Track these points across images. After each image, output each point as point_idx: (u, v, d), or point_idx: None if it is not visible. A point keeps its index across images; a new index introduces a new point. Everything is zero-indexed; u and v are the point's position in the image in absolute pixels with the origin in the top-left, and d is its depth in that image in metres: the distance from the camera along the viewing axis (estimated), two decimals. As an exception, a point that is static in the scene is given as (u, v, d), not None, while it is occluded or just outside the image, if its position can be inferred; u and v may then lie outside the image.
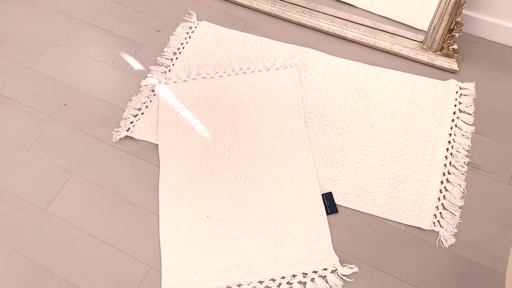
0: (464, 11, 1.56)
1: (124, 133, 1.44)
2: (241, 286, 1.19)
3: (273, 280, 1.19)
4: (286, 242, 1.24)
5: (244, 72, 1.57)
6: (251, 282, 1.19)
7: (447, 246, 1.23)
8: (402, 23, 1.65)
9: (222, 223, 1.27)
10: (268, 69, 1.58)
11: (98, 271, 1.22)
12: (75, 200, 1.33)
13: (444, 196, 1.31)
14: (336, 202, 1.30)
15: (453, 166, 1.36)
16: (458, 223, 1.26)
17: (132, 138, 1.44)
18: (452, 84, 1.51)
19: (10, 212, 1.31)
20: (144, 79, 1.57)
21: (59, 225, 1.29)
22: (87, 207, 1.32)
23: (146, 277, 1.20)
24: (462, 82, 1.53)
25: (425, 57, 1.58)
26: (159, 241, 1.25)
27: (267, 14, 1.74)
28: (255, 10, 1.75)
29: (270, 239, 1.24)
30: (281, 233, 1.25)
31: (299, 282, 1.19)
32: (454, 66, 1.56)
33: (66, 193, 1.34)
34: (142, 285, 1.19)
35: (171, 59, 1.62)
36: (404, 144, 1.40)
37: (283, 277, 1.19)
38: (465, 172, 1.35)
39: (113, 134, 1.45)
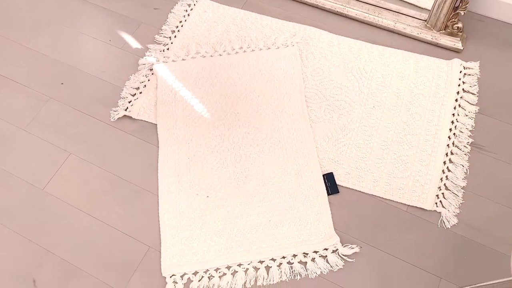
0: (470, -11, 1.52)
1: (122, 113, 1.41)
2: (241, 266, 1.18)
3: (273, 260, 1.18)
4: (286, 222, 1.22)
5: (244, 51, 1.54)
6: (251, 262, 1.18)
7: (449, 227, 1.22)
8: (406, 1, 1.61)
9: (222, 203, 1.26)
10: (269, 48, 1.54)
11: (96, 251, 1.21)
12: (73, 180, 1.31)
13: (446, 176, 1.29)
14: (337, 182, 1.28)
15: (456, 146, 1.34)
16: (461, 203, 1.25)
17: (130, 117, 1.41)
18: (456, 63, 1.49)
19: (7, 192, 1.30)
20: (142, 57, 1.54)
21: (57, 205, 1.27)
22: (85, 187, 1.30)
23: (146, 257, 1.19)
24: (466, 62, 1.50)
25: (428, 36, 1.55)
26: (159, 221, 1.24)
27: (268, -8, 1.70)
28: (256, -12, 1.71)
29: (271, 219, 1.23)
30: (282, 213, 1.24)
31: (300, 262, 1.18)
32: (458, 45, 1.53)
33: (63, 172, 1.32)
34: (142, 265, 1.18)
35: (170, 37, 1.59)
36: (406, 124, 1.38)
37: (283, 257, 1.19)
38: (468, 152, 1.33)
39: (111, 114, 1.42)
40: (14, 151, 1.36)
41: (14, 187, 1.30)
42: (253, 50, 1.54)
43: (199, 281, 1.16)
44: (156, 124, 1.40)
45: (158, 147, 1.36)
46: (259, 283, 1.15)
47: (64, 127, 1.41)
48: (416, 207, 1.25)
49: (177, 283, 1.16)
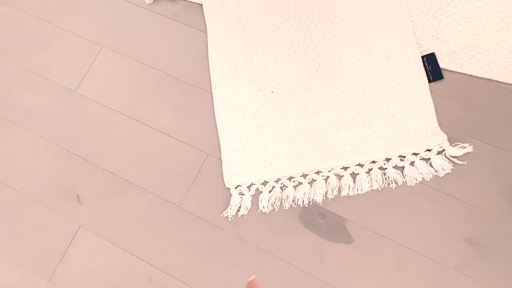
0: None
1: (158, -8, 1.13)
2: (320, 174, 0.96)
3: (360, 165, 0.95)
4: (375, 120, 0.97)
5: None
6: (332, 169, 0.96)
7: None
8: None
9: (291, 99, 1.01)
10: None
11: (146, 161, 1.01)
12: (109, 77, 1.09)
13: None
14: (441, 65, 0.99)
15: None
16: None
17: (169, -3, 1.14)
18: None
19: (36, 96, 1.09)
20: None
21: (94, 108, 1.07)
22: (124, 86, 1.08)
23: (204, 166, 0.99)
24: None
25: None
26: (215, 123, 1.02)
27: None
28: None
29: (355, 116, 0.98)
30: (369, 108, 0.98)
31: (395, 167, 0.94)
32: None
33: (97, 69, 1.10)
34: (200, 176, 0.98)
35: None
36: (534, -16, 1.02)
37: (373, 162, 0.95)
38: None
39: (146, -6, 1.14)
40: (40, 49, 1.14)
41: (43, 89, 1.10)
42: None
43: (269, 192, 0.96)
44: (202, 4, 1.11)
45: (206, 32, 1.09)
46: (343, 193, 0.94)
47: (92, 14, 1.15)
48: (548, 93, 0.96)
49: (243, 195, 0.96)
